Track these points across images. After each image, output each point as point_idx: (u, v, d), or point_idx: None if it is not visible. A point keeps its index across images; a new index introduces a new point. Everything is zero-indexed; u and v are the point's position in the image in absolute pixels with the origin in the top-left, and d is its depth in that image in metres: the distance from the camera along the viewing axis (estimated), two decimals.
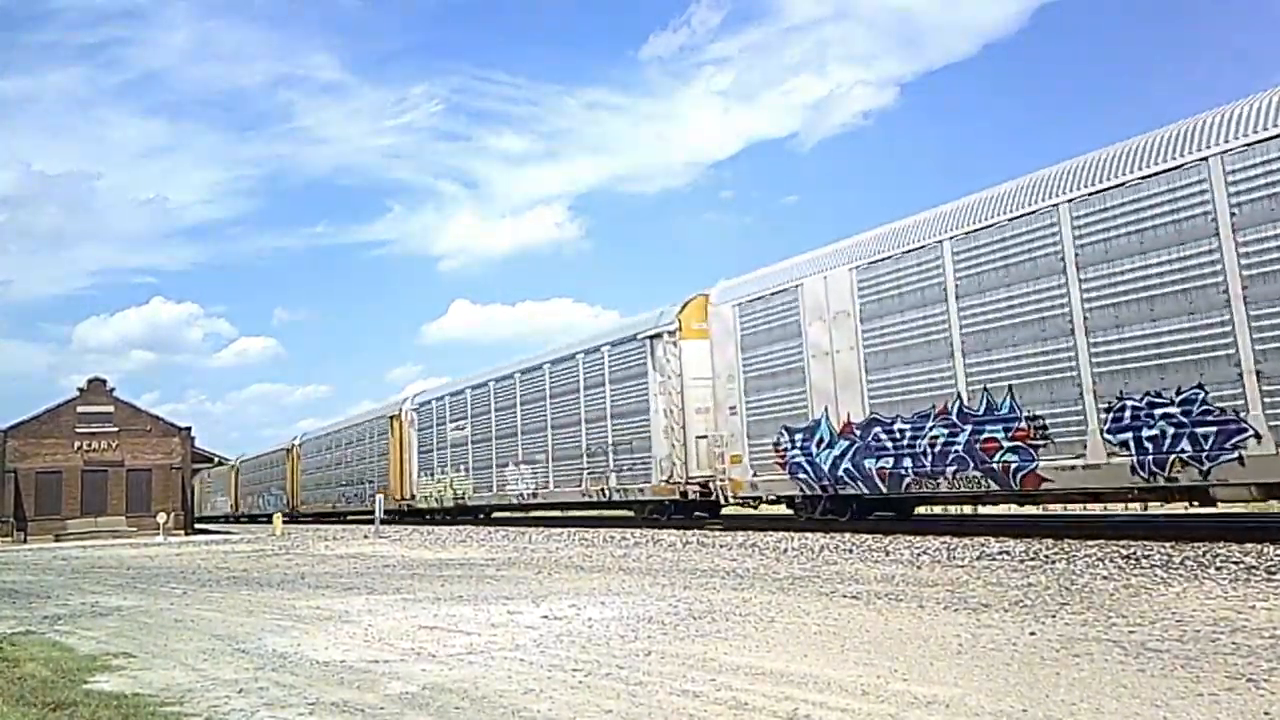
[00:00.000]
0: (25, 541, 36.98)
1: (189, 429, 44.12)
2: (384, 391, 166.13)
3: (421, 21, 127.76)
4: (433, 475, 34.02)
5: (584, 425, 23.91)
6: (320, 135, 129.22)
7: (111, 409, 42.21)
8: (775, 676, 5.00)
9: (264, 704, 4.93)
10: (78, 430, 41.32)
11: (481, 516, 34.78)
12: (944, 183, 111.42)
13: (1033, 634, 5.95)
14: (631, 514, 24.54)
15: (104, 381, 42.59)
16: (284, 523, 37.93)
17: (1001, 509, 21.18)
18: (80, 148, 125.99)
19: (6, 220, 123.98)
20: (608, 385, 22.85)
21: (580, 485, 24.01)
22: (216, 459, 55.86)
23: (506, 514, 34.23)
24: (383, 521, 30.36)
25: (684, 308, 20.77)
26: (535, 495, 26.74)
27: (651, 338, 21.17)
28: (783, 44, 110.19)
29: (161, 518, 38.84)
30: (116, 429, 41.98)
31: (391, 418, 37.99)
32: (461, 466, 31.59)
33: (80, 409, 41.67)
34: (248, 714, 4.72)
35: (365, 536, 26.98)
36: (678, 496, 20.43)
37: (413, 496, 35.36)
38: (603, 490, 23.01)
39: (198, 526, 47.55)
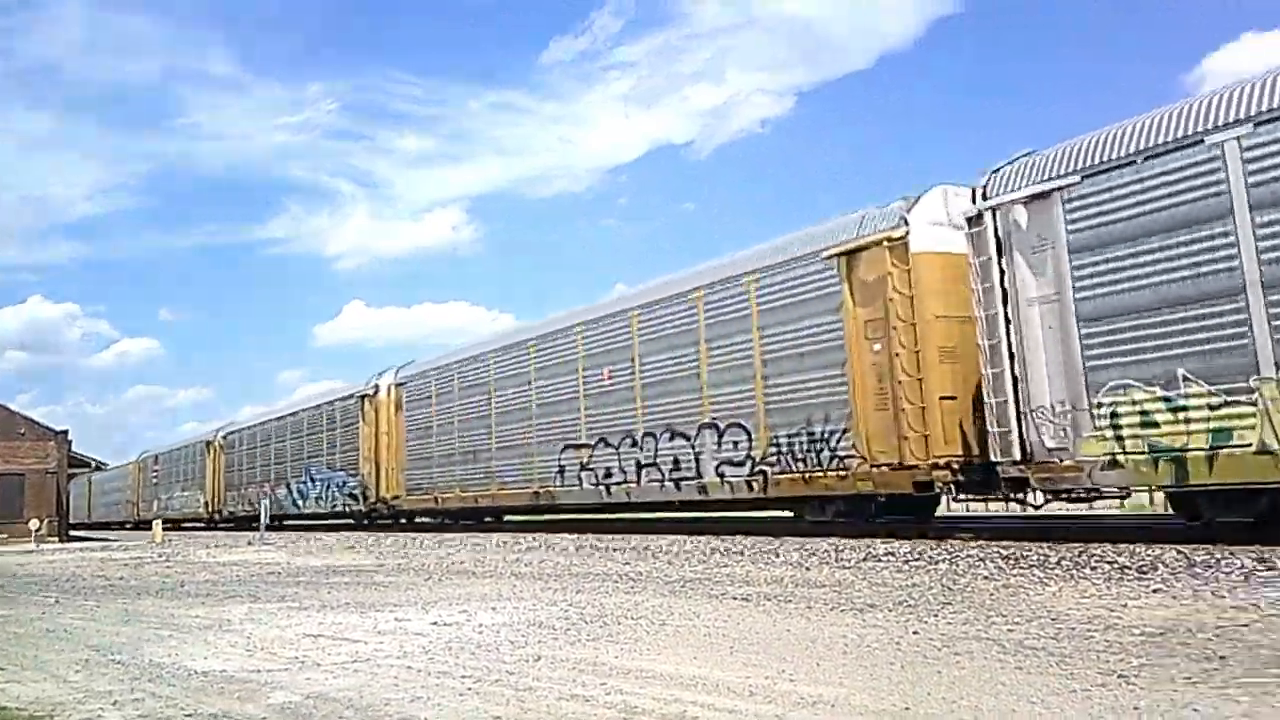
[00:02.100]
0: None
1: (65, 432, 42.38)
2: (278, 394, 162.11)
3: (323, 19, 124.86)
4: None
5: None
6: (214, 131, 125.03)
7: None
8: (665, 679, 5.01)
9: (139, 715, 4.74)
10: None
11: None
12: (841, 190, 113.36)
13: (915, 633, 6.09)
14: None
15: None
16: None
17: None
18: None
19: None
20: None
21: None
22: (94, 463, 53.84)
23: None
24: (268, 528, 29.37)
25: None
26: None
27: None
28: (683, 50, 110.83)
29: (34, 524, 37.23)
30: None
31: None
32: None
33: None
34: None
35: (249, 543, 26.23)
36: None
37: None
38: None
39: (74, 534, 45.58)
